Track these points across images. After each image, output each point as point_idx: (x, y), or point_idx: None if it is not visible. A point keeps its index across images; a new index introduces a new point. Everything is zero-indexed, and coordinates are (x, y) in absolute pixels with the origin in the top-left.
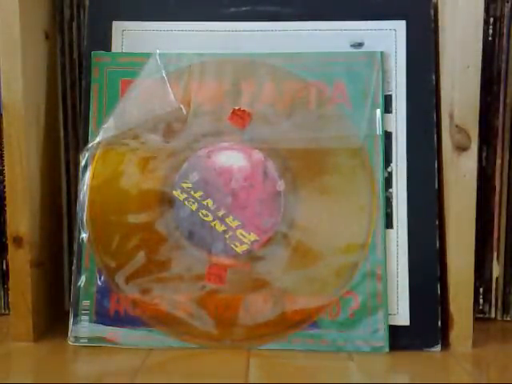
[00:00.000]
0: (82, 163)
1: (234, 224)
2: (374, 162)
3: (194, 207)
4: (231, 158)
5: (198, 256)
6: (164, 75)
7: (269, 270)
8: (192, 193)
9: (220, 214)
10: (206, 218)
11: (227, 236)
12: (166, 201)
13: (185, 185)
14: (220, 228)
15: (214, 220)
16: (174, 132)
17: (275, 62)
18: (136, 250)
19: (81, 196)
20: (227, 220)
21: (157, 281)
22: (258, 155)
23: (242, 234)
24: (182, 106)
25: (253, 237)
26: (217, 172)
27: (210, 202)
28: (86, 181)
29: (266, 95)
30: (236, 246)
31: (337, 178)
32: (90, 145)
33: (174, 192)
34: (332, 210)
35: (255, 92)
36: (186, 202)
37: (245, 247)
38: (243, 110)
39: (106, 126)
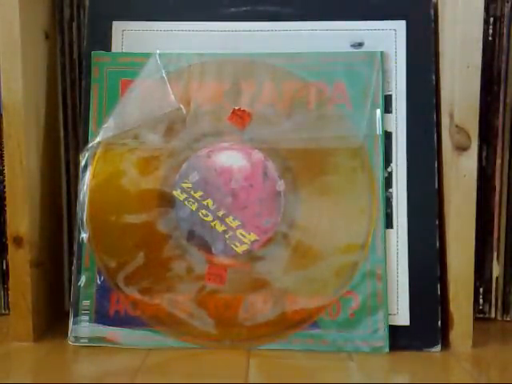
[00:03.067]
0: (82, 163)
1: (234, 224)
2: (373, 162)
3: (194, 207)
4: (231, 158)
5: (198, 256)
6: (164, 75)
7: (269, 270)
8: (192, 193)
9: (220, 214)
10: (205, 218)
11: (227, 236)
12: (166, 201)
13: (185, 185)
14: (220, 228)
15: (213, 220)
16: (174, 132)
17: (275, 62)
18: (136, 250)
19: (81, 196)
20: (227, 220)
21: (157, 281)
22: (257, 155)
23: (241, 234)
24: (181, 106)
25: (253, 237)
26: (217, 172)
27: (209, 202)
28: (86, 181)
29: (266, 95)
30: (236, 246)
31: (337, 178)
32: (90, 145)
33: (174, 192)
34: (332, 210)
35: (255, 92)
36: (186, 202)
37: (245, 247)
38: (243, 110)
39: (106, 125)
